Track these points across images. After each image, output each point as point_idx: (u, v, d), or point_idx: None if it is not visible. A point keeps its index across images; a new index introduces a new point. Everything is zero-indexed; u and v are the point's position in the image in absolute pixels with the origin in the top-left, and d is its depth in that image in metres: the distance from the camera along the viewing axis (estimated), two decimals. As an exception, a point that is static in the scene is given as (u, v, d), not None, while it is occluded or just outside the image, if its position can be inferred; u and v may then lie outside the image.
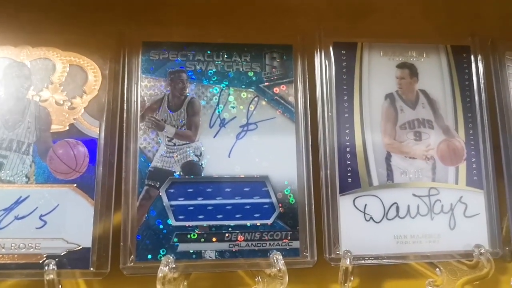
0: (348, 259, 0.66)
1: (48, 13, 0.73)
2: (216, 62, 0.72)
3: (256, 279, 0.69)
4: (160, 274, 0.61)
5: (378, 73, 0.75)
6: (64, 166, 0.67)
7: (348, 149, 0.72)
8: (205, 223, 0.67)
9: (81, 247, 0.64)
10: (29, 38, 0.70)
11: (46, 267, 0.61)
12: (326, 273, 0.72)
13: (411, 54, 0.77)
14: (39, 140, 0.68)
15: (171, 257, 0.64)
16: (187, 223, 0.67)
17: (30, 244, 0.64)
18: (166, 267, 0.62)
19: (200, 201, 0.68)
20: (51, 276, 0.60)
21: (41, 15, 0.73)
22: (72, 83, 0.70)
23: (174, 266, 0.63)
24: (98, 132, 0.68)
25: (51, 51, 0.70)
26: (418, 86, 0.76)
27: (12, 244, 0.64)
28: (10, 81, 0.69)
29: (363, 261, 0.68)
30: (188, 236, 0.66)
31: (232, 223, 0.68)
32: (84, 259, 0.64)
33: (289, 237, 0.68)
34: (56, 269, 0.61)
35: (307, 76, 0.74)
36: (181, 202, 0.68)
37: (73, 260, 0.64)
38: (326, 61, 0.74)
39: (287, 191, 0.69)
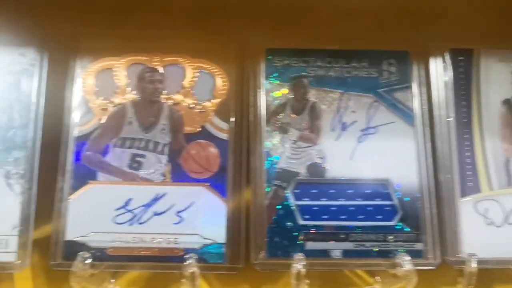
0: (474, 262, 0.68)
1: (177, 22, 0.78)
2: (335, 67, 0.76)
3: (376, 279, 0.72)
4: (295, 271, 0.64)
5: (495, 79, 0.75)
6: (197, 166, 0.71)
7: (467, 153, 0.73)
8: (330, 223, 0.70)
9: (216, 242, 0.69)
10: (161, 46, 0.74)
11: (188, 261, 0.65)
12: (440, 275, 0.74)
13: (527, 61, 0.78)
14: (173, 141, 0.72)
15: (302, 255, 0.67)
16: (313, 223, 0.69)
17: (168, 239, 0.69)
18: (299, 264, 0.65)
19: (324, 202, 0.71)
20: (194, 269, 0.64)
21: (171, 24, 0.77)
22: (202, 88, 0.74)
23: (304, 263, 0.67)
24: (227, 134, 0.72)
25: (182, 58, 0.75)
26: (534, 92, 0.77)
27: (152, 238, 0.69)
28: (145, 86, 0.74)
29: (486, 265, 0.69)
30: (315, 235, 0.69)
31: (356, 223, 0.70)
32: (219, 254, 0.68)
33: (412, 239, 0.70)
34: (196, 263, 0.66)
35: (424, 81, 0.75)
36: (306, 202, 0.70)
37: (209, 254, 0.67)
38: (443, 68, 0.75)
39: (407, 193, 0.71)
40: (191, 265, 0.64)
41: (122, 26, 0.77)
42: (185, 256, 0.66)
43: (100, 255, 0.67)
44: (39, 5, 0.76)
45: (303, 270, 0.65)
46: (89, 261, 0.65)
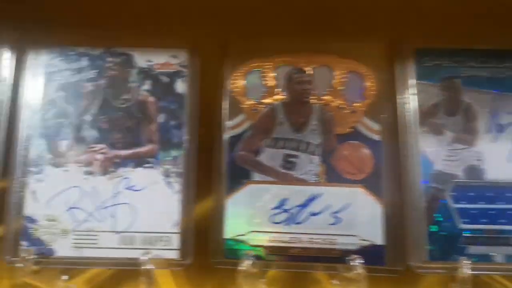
0: None
1: (324, 22, 0.77)
2: (488, 68, 0.74)
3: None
4: (461, 275, 0.64)
5: None
6: (350, 166, 0.71)
7: None
8: (489, 227, 0.68)
9: (374, 244, 0.68)
10: (308, 47, 0.75)
11: (352, 262, 0.65)
12: None
13: None
14: (325, 142, 0.72)
15: (468, 259, 0.66)
16: (472, 226, 0.68)
17: (326, 240, 0.69)
18: (465, 268, 0.64)
19: (481, 205, 0.69)
20: (361, 270, 0.64)
21: (318, 24, 0.77)
22: (351, 88, 0.74)
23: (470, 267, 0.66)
24: (380, 135, 0.71)
25: (330, 58, 0.75)
26: None
27: (310, 239, 0.69)
28: (294, 87, 0.74)
29: None
30: (475, 239, 0.68)
31: (517, 228, 0.70)
32: (378, 256, 0.67)
33: None
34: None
35: None
36: (463, 205, 0.69)
37: (367, 256, 0.67)
38: None
39: None
40: (357, 267, 0.64)
41: (270, 28, 0.78)
42: (346, 257, 0.66)
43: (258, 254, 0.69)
44: (189, 8, 0.78)
45: (468, 274, 0.65)
46: (252, 259, 0.67)
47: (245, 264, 0.65)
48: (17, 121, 0.72)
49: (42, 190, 0.70)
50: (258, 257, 0.68)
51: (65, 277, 0.71)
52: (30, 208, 0.70)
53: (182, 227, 0.69)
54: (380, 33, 0.75)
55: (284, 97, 0.74)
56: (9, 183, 0.71)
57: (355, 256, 0.66)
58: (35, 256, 0.67)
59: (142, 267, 0.66)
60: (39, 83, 0.73)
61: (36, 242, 0.69)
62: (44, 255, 0.68)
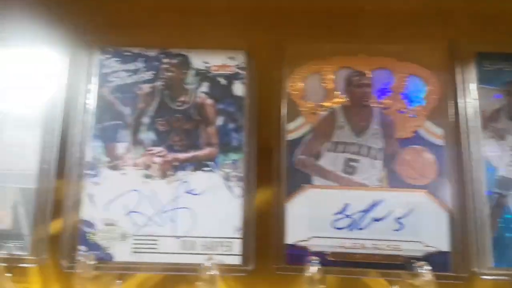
0: None
1: (384, 24, 0.77)
2: (550, 72, 0.74)
3: None
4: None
5: None
6: (413, 171, 0.70)
7: None
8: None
9: (439, 250, 0.67)
10: (367, 49, 0.73)
11: (419, 269, 0.64)
12: None
13: None
14: (387, 146, 0.71)
15: (535, 266, 0.66)
16: (537, 233, 0.69)
17: (390, 246, 0.68)
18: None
19: (543, 212, 0.70)
20: (428, 277, 0.63)
21: (377, 27, 0.76)
22: (411, 92, 0.72)
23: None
24: (443, 139, 0.71)
25: (389, 61, 0.73)
26: None
27: (373, 245, 0.68)
28: (354, 90, 0.73)
29: None
30: (540, 245, 0.69)
31: None
32: (443, 262, 0.66)
33: None
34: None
35: None
36: (526, 212, 0.70)
37: (433, 263, 0.66)
38: None
39: None
40: (425, 274, 0.64)
41: (327, 30, 0.77)
42: (411, 264, 0.66)
43: (320, 260, 0.67)
44: (246, 10, 0.77)
45: (536, 282, 0.65)
46: (315, 265, 0.66)
47: (310, 270, 0.66)
48: (72, 123, 0.72)
49: (99, 194, 0.69)
50: (321, 263, 0.68)
51: (118, 281, 0.71)
52: (87, 212, 0.69)
53: (243, 232, 0.68)
54: (438, 36, 0.74)
55: (344, 100, 0.74)
56: (64, 186, 0.70)
57: (423, 262, 0.66)
58: (95, 262, 0.67)
59: (206, 273, 0.66)
60: (94, 84, 0.73)
61: (93, 247, 0.68)
62: (103, 260, 0.68)
